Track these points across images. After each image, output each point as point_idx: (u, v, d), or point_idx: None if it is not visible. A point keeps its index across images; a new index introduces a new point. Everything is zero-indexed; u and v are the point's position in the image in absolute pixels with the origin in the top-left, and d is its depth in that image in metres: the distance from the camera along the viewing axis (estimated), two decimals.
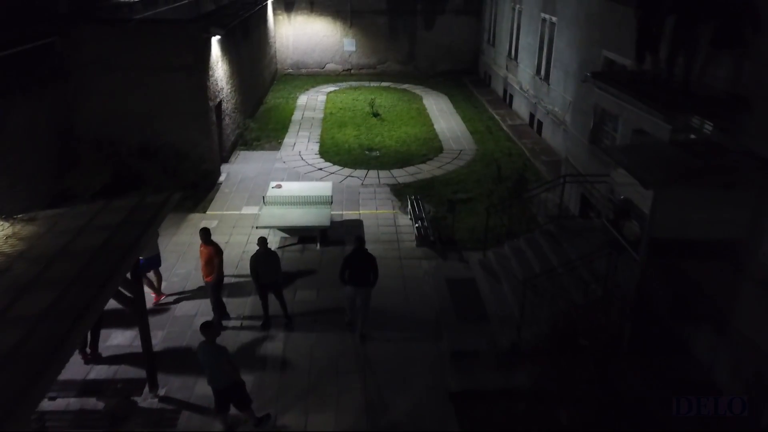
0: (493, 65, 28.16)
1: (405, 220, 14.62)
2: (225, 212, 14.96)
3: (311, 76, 30.84)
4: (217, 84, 16.96)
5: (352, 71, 31.34)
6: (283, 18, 30.35)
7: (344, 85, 29.09)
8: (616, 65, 12.95)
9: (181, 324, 10.50)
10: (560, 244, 11.42)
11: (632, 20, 11.07)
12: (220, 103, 17.48)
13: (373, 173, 17.70)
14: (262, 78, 26.07)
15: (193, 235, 13.67)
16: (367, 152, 19.47)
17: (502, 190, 15.69)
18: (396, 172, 17.83)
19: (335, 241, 13.42)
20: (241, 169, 17.80)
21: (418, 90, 28.24)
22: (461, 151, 19.69)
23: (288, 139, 20.71)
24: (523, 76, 23.34)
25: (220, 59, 17.43)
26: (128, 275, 8.02)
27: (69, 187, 14.97)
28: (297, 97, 26.54)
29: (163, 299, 11.23)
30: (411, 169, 18.07)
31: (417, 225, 13.50)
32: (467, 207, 15.23)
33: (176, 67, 15.39)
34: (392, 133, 21.42)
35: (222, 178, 17.01)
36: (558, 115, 19.17)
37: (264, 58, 26.67)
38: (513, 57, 24.76)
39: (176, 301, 11.23)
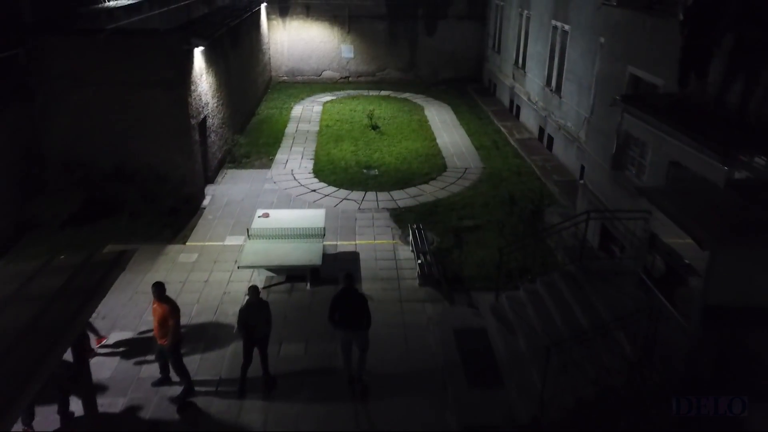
0: (499, 73, 26.72)
1: (406, 252, 13.17)
2: (207, 243, 13.51)
3: (307, 83, 29.41)
4: (200, 99, 15.52)
5: (350, 79, 29.91)
6: (277, 23, 28.93)
7: (342, 93, 27.65)
8: (642, 83, 11.52)
9: (146, 389, 9.05)
10: (583, 290, 9.99)
11: (668, 35, 9.64)
12: (204, 119, 16.05)
13: (371, 195, 16.26)
14: (255, 87, 24.64)
15: (172, 272, 12.24)
16: (365, 171, 18.03)
17: (515, 221, 14.24)
18: (396, 193, 16.39)
19: (328, 279, 11.97)
20: (227, 190, 16.36)
21: (419, 99, 26.80)
22: (466, 169, 18.24)
23: (280, 156, 19.27)
24: (531, 86, 21.91)
25: (204, 71, 16.00)
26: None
27: (34, 215, 13.55)
28: (291, 108, 25.11)
29: (105, 342, 9.92)
30: (412, 190, 16.63)
31: (420, 261, 12.05)
32: (475, 236, 13.79)
33: (154, 82, 13.97)
34: (392, 148, 19.98)
35: (206, 202, 15.57)
36: (571, 130, 17.74)
37: (257, 66, 25.24)
38: (520, 66, 23.32)
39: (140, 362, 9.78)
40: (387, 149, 19.87)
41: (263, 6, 26.86)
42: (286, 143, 20.52)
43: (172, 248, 13.27)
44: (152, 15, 21.75)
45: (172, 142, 14.54)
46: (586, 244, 13.17)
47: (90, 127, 14.20)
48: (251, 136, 20.98)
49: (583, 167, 16.62)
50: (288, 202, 15.71)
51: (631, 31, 11.57)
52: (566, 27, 18.17)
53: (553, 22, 19.30)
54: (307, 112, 24.40)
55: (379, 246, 13.49)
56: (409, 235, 13.56)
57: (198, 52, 15.20)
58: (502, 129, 22.29)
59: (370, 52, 29.52)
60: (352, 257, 12.98)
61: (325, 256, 12.19)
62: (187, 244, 13.48)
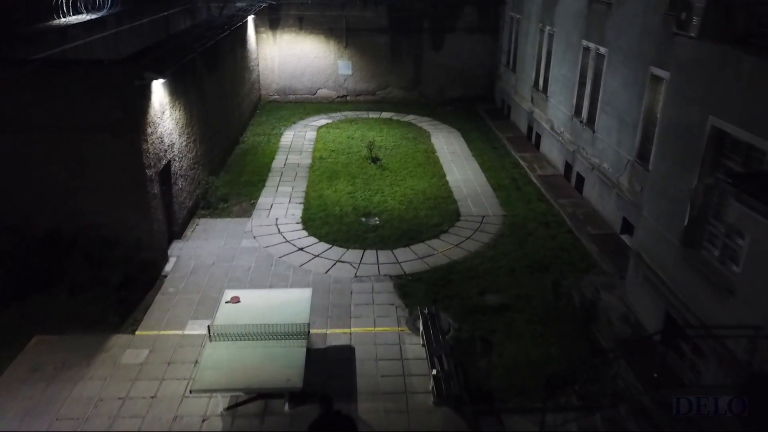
0: (514, 94, 23.87)
1: (416, 347, 10.31)
2: (162, 332, 10.65)
3: (300, 103, 26.57)
4: (162, 142, 12.68)
5: (348, 98, 27.07)
6: (267, 36, 26.10)
7: (338, 116, 24.81)
8: (729, 138, 8.69)
9: None
10: None
11: None
12: (168, 164, 13.21)
13: (370, 255, 13.42)
14: (239, 112, 21.80)
15: (110, 382, 9.39)
16: (363, 219, 15.19)
17: (552, 298, 11.38)
18: (401, 253, 13.54)
19: (313, 392, 9.06)
20: (196, 250, 13.49)
21: (425, 123, 23.97)
22: (484, 217, 15.39)
23: (264, 199, 16.41)
24: (555, 114, 19.07)
25: (168, 107, 13.16)
26: None
27: None
28: (281, 134, 22.26)
29: None
30: (420, 248, 13.78)
31: (435, 372, 9.17)
32: (502, 321, 10.95)
33: (99, 125, 11.14)
34: (395, 188, 17.14)
35: (168, 267, 12.71)
36: (609, 173, 14.90)
37: (242, 87, 22.40)
38: (541, 89, 20.49)
39: None
40: (389, 189, 17.03)
41: (251, 18, 24.03)
42: (272, 181, 17.66)
43: (117, 340, 10.40)
44: (121, 31, 18.98)
45: (123, 198, 11.70)
46: (639, 329, 10.37)
47: (19, 182, 11.38)
48: (232, 172, 18.14)
49: (626, 221, 13.80)
50: (269, 266, 12.86)
51: (717, 72, 8.72)
52: (602, 50, 15.33)
53: (585, 42, 16.46)
54: (298, 140, 21.56)
55: (380, 336, 10.62)
56: (418, 319, 10.73)
57: (158, 85, 12.36)
58: (521, 162, 19.45)
59: (369, 68, 26.70)
60: (346, 355, 10.11)
61: (312, 355, 9.37)
62: (136, 333, 10.60)
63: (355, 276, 12.57)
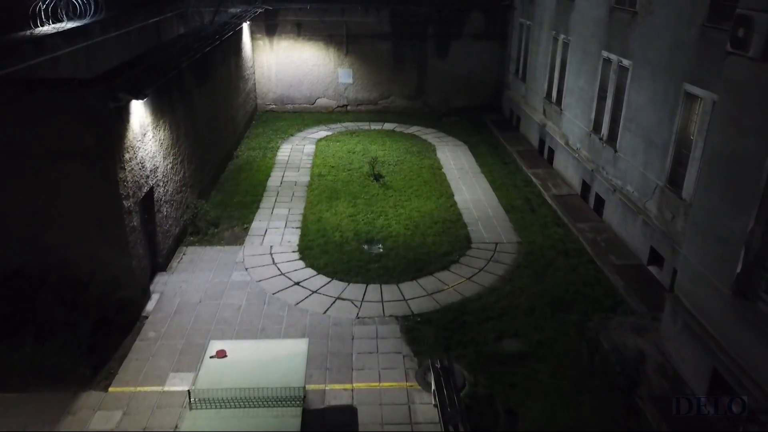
0: (524, 105, 22.63)
1: (427, 408, 9.05)
2: (139, 388, 9.39)
3: (299, 113, 25.33)
4: (143, 168, 11.42)
5: (349, 108, 25.83)
6: (263, 43, 24.85)
7: (338, 127, 23.56)
8: None
9: None
10: None
11: None
12: (151, 191, 11.96)
13: (374, 291, 12.16)
14: (233, 125, 20.54)
15: None
16: (365, 247, 13.94)
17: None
18: (407, 288, 12.29)
19: None
20: (182, 285, 12.23)
21: (429, 135, 22.71)
22: (497, 244, 14.14)
23: (258, 223, 15.15)
24: (570, 128, 17.83)
25: (150, 128, 11.90)
26: None
27: None
28: (278, 147, 21.02)
29: None
30: (428, 281, 12.53)
31: None
32: (523, 373, 9.70)
33: (68, 152, 9.90)
34: (400, 209, 15.89)
35: (150, 307, 11.45)
36: (634, 197, 13.65)
37: (236, 98, 21.15)
38: (554, 101, 19.24)
39: None
40: (393, 211, 15.78)
41: (246, 25, 22.79)
42: (266, 202, 16.41)
43: (87, 399, 9.14)
44: (108, 39, 17.72)
45: (97, 232, 10.45)
46: (678, 385, 9.10)
47: None
48: (224, 192, 16.88)
49: (654, 251, 12.55)
50: (261, 304, 11.60)
51: None
52: (625, 62, 14.09)
53: (605, 53, 15.21)
54: (296, 154, 20.31)
55: (386, 394, 9.36)
56: (429, 372, 9.48)
57: (138, 105, 11.10)
58: (534, 179, 18.20)
59: (371, 76, 25.45)
60: (347, 419, 8.85)
61: (308, 419, 8.11)
62: (109, 390, 9.34)
63: (357, 317, 11.31)
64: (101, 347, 10.23)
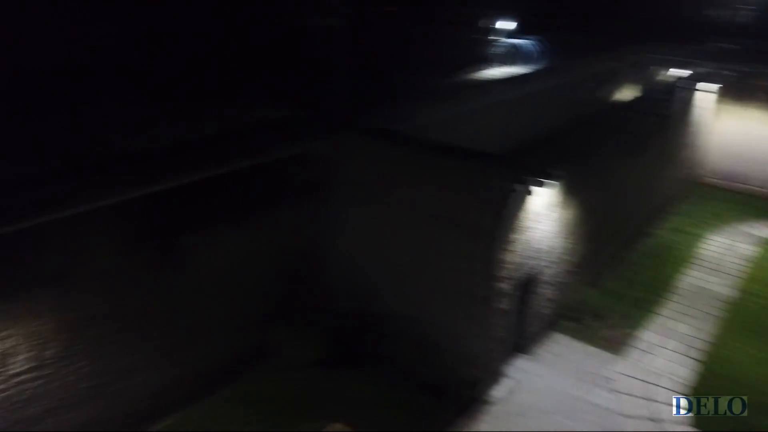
0: None
1: None
2: None
3: (747, 196, 20.45)
4: (532, 249, 10.53)
5: None
6: (717, 106, 20.80)
7: None
8: None
9: None
10: None
11: None
12: (533, 272, 10.98)
13: None
14: (653, 197, 17.78)
15: None
16: None
17: None
18: None
19: None
20: (537, 381, 10.95)
21: None
22: None
23: (646, 333, 12.56)
24: None
25: (551, 208, 10.89)
26: None
27: None
28: (703, 236, 17.27)
29: None
30: None
31: None
32: None
33: (458, 221, 9.73)
34: None
35: (498, 393, 10.56)
36: None
37: (664, 167, 18.24)
38: None
39: None
40: None
41: (700, 85, 19.36)
42: (666, 308, 13.50)
43: None
44: (543, 90, 17.54)
45: (462, 302, 10.10)
46: None
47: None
48: (620, 279, 14.63)
49: None
50: None
51: None
52: None
53: None
54: (726, 253, 16.23)
55: None
56: None
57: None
58: None
59: None
60: None
61: None
62: None
63: None
64: (433, 412, 9.96)
